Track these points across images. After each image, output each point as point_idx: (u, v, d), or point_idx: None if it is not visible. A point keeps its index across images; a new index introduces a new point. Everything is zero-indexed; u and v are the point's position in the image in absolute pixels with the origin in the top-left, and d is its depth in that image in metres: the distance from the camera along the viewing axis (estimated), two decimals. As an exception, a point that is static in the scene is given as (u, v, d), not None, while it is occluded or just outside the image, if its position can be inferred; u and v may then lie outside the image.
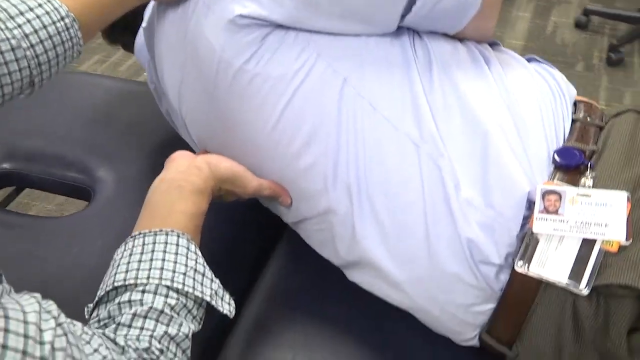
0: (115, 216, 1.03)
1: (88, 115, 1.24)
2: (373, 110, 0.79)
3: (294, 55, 0.79)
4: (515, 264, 0.74)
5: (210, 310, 0.73)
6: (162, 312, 0.68)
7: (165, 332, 0.67)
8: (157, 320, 0.67)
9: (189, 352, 0.69)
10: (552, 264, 0.72)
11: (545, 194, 0.75)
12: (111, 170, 1.13)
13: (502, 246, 0.76)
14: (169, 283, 0.70)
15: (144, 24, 0.95)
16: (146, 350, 0.64)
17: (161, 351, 0.66)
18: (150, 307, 0.67)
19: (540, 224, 0.73)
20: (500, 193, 0.76)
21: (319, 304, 0.89)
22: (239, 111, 0.83)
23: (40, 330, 0.50)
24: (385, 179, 0.79)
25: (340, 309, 0.89)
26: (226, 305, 0.74)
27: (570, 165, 0.77)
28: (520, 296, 0.76)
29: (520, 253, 0.74)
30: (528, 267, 0.73)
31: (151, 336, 0.66)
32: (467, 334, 0.83)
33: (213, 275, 0.74)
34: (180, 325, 0.69)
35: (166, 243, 0.73)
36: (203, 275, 0.73)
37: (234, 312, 0.74)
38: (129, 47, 1.06)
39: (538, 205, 0.74)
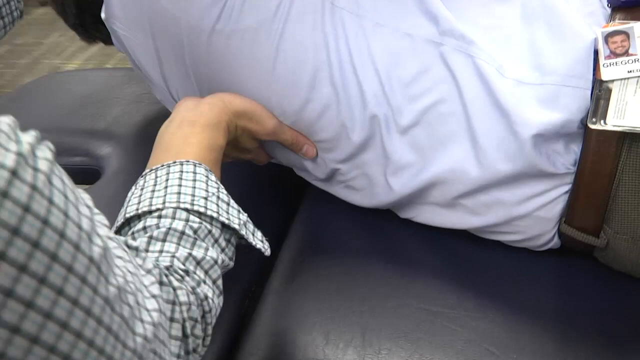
0: (123, 187, 0.94)
1: (83, 105, 1.19)
2: (376, 26, 0.70)
3: None
4: (588, 123, 0.62)
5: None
6: (183, 233, 0.58)
7: (190, 254, 0.57)
8: (178, 243, 0.57)
9: (220, 283, 0.59)
10: (634, 111, 0.60)
11: (608, 36, 0.63)
12: (115, 146, 1.06)
13: (571, 113, 0.64)
14: (188, 206, 0.60)
15: (102, 15, 0.84)
16: (168, 268, 0.54)
17: (186, 272, 0.56)
18: (169, 229, 0.58)
19: (609, 70, 0.62)
20: (558, 52, 0.65)
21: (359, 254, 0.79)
22: (230, 75, 0.74)
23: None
24: (413, 94, 0.69)
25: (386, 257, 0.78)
26: (259, 242, 0.64)
27: (632, 1, 0.65)
28: (599, 165, 0.64)
29: (592, 111, 0.62)
30: (604, 122, 0.61)
31: (173, 256, 0.56)
32: (545, 234, 0.71)
33: (240, 209, 0.65)
34: (207, 249, 0.58)
35: (181, 172, 0.63)
36: (228, 204, 0.63)
37: (269, 250, 0.65)
38: (108, 40, 0.96)
39: (602, 51, 0.62)
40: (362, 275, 0.73)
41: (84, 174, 1.04)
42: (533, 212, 0.69)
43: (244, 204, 0.66)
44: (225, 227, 0.62)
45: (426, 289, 0.71)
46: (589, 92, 0.63)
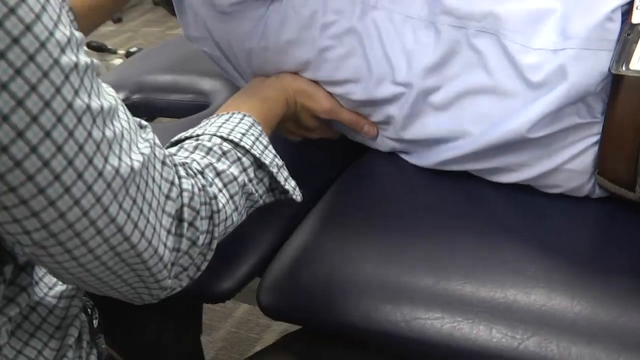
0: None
1: (196, 54, 1.29)
2: (405, 19, 0.75)
3: None
4: (611, 69, 0.62)
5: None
6: (210, 149, 0.64)
7: (211, 164, 0.62)
8: (203, 155, 0.63)
9: (237, 200, 0.63)
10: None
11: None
12: (220, 85, 1.16)
13: (592, 76, 0.64)
14: (224, 135, 0.66)
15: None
16: (183, 164, 0.59)
17: (201, 173, 0.60)
18: (199, 144, 0.64)
19: (641, 13, 0.60)
20: (581, 16, 0.65)
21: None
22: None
23: None
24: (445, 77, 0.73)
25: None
26: (291, 188, 0.69)
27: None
28: (626, 114, 0.63)
29: (616, 55, 0.62)
30: (627, 67, 0.60)
31: (193, 160, 0.61)
32: (584, 186, 0.71)
33: (278, 155, 0.70)
34: (230, 166, 0.63)
35: (228, 118, 0.70)
36: (265, 147, 0.68)
37: (300, 196, 0.70)
38: None
39: (637, -6, 0.61)
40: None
41: (196, 108, 1.18)
42: (563, 165, 0.69)
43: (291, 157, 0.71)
44: (259, 167, 0.66)
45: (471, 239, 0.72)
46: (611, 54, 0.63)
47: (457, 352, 0.61)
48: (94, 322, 0.65)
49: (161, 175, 0.53)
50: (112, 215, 0.47)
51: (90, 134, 0.44)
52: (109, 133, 0.46)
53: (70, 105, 0.42)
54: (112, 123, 0.47)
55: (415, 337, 0.63)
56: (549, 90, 0.65)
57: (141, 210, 0.49)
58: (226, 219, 0.61)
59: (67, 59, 0.42)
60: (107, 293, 0.55)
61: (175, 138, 0.67)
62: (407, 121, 0.78)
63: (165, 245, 0.53)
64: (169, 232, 0.53)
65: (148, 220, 0.50)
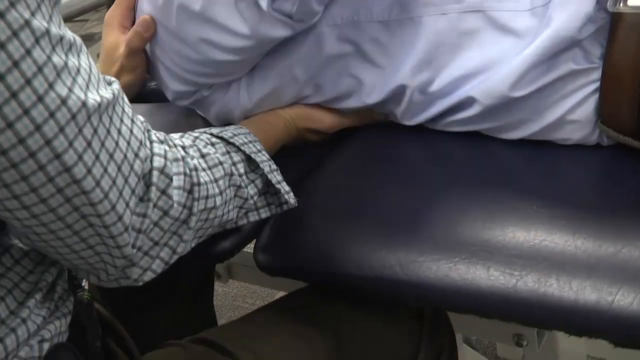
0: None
1: None
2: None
3: None
4: (607, 6, 0.61)
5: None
6: (197, 137, 0.62)
7: (196, 145, 0.60)
8: (191, 142, 0.61)
9: (222, 184, 0.60)
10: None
11: None
12: None
13: (585, 14, 0.62)
14: (214, 131, 0.64)
15: None
16: (162, 139, 0.55)
17: (183, 148, 0.57)
18: (186, 134, 0.62)
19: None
20: None
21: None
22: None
23: None
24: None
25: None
26: (284, 190, 0.66)
27: None
28: (625, 57, 0.62)
29: (613, -9, 0.61)
30: (623, 3, 0.60)
31: (176, 140, 0.58)
32: (591, 136, 0.69)
33: (272, 160, 0.68)
34: (216, 152, 0.61)
35: (223, 128, 0.68)
36: (259, 150, 0.66)
37: (294, 200, 0.67)
38: None
39: None
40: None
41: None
42: (565, 117, 0.67)
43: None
44: (252, 171, 0.64)
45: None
46: None
47: (453, 293, 0.59)
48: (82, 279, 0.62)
49: (130, 131, 0.50)
50: (56, 150, 0.43)
51: (28, 52, 0.41)
52: (57, 60, 0.43)
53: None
54: (67, 54, 0.44)
55: (411, 281, 0.61)
56: (531, 42, 0.64)
57: (97, 157, 0.46)
58: (208, 197, 0.57)
59: None
60: (77, 264, 0.53)
61: None
62: (408, 113, 0.76)
63: (127, 204, 0.49)
64: (133, 192, 0.50)
65: (106, 171, 0.47)
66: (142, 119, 0.55)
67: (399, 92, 0.75)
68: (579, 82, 0.65)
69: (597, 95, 0.65)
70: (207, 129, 0.66)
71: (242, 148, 0.64)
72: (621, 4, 0.60)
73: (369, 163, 0.77)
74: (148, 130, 0.54)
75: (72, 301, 0.59)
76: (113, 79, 0.52)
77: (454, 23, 0.68)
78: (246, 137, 0.67)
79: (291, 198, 0.67)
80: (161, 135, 0.56)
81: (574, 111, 0.67)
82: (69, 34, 0.45)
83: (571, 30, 0.62)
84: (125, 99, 0.52)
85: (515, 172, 0.69)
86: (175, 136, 0.60)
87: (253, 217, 0.67)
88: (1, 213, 0.46)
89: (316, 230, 0.70)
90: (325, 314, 0.68)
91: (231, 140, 0.64)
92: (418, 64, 0.72)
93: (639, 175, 0.65)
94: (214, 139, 0.63)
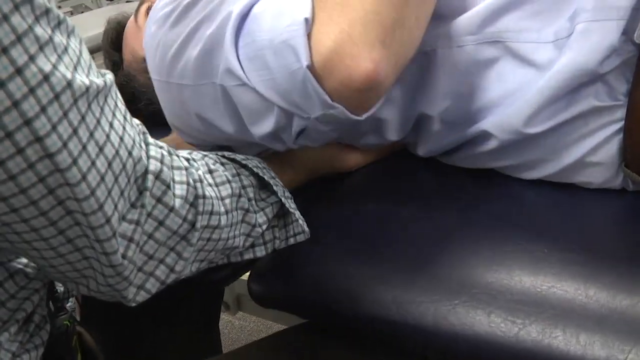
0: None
1: None
2: None
3: None
4: (635, 38, 0.57)
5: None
6: (206, 155, 0.58)
7: (204, 161, 0.57)
8: (200, 159, 0.57)
9: (228, 203, 0.56)
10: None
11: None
12: None
13: (605, 48, 0.57)
14: (226, 153, 0.61)
15: None
16: (163, 146, 0.52)
17: (187, 160, 0.54)
18: (193, 152, 0.58)
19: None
20: None
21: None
22: None
23: None
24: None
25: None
26: (299, 216, 0.63)
27: None
28: None
29: (640, 24, 0.57)
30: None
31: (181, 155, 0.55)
32: (615, 179, 0.64)
33: (286, 189, 0.65)
34: (225, 172, 0.57)
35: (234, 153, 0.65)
36: (273, 177, 0.63)
37: (307, 231, 0.65)
38: None
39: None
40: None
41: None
42: (585, 158, 0.62)
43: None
44: (262, 199, 0.61)
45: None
46: (624, 22, 0.56)
47: (449, 338, 0.54)
48: (65, 301, 0.59)
49: (123, 127, 0.46)
50: (37, 133, 0.39)
51: (5, 17, 0.36)
52: (40, 32, 0.39)
53: None
54: (54, 30, 0.41)
55: (406, 321, 0.56)
56: (548, 73, 0.59)
57: (84, 147, 0.42)
58: (212, 213, 0.53)
59: None
60: (64, 271, 0.48)
61: None
62: (425, 143, 0.73)
63: (115, 206, 0.45)
64: (122, 193, 0.45)
65: (93, 164, 0.42)
66: (137, 121, 0.51)
67: (418, 123, 0.71)
68: (602, 120, 0.61)
69: (621, 136, 0.60)
70: (220, 152, 0.62)
71: (256, 171, 0.60)
72: (651, 36, 0.55)
73: (375, 195, 0.73)
74: (144, 133, 0.50)
75: (48, 330, 0.55)
76: (107, 71, 0.48)
77: (470, 54, 0.64)
78: (260, 163, 0.63)
79: (305, 227, 0.64)
80: (160, 142, 0.52)
81: (595, 152, 0.62)
82: (57, 10, 0.41)
83: (591, 63, 0.57)
84: (119, 95, 0.48)
85: (529, 212, 0.64)
86: (181, 152, 0.56)
87: (260, 252, 0.63)
88: None
89: (312, 262, 0.66)
90: (319, 356, 0.63)
91: (243, 162, 0.61)
92: (435, 95, 0.68)
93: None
94: (224, 159, 0.60)
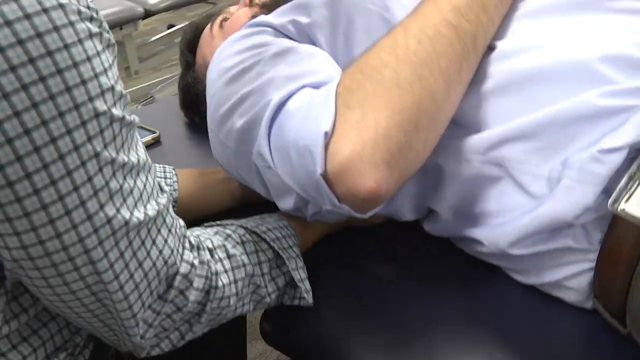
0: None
1: None
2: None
3: None
4: (609, 203, 0.61)
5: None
6: (229, 236, 0.68)
7: (224, 246, 0.66)
8: (223, 240, 0.67)
9: (240, 286, 0.66)
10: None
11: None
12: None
13: (584, 206, 0.63)
14: (249, 226, 0.70)
15: None
16: (196, 237, 0.63)
17: (210, 250, 0.64)
18: (220, 230, 0.68)
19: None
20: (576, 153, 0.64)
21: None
22: None
23: None
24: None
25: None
26: (304, 288, 0.72)
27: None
28: (618, 250, 0.62)
29: (617, 190, 0.60)
30: (622, 207, 0.59)
31: (208, 238, 0.65)
32: (586, 303, 0.70)
33: (300, 256, 0.73)
34: (242, 254, 0.67)
35: (265, 217, 0.75)
36: (290, 247, 0.72)
37: (311, 299, 0.73)
38: None
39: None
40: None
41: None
42: (561, 281, 0.69)
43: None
44: (277, 266, 0.70)
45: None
46: (601, 188, 0.62)
47: None
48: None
49: (165, 240, 0.57)
50: (92, 258, 0.51)
51: (90, 179, 0.49)
52: (114, 185, 0.51)
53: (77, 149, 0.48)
54: (125, 177, 0.52)
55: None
56: (534, 212, 0.65)
57: (127, 265, 0.53)
58: (222, 298, 0.63)
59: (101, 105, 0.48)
60: (85, 327, 0.60)
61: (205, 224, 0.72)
62: (432, 223, 0.81)
63: (143, 304, 0.56)
64: (152, 293, 0.57)
65: (132, 277, 0.54)
66: (182, 223, 0.62)
67: (429, 212, 0.79)
68: (576, 257, 0.67)
69: (592, 273, 0.66)
70: (244, 222, 0.72)
71: (272, 244, 0.70)
72: (620, 207, 0.59)
73: (381, 259, 0.82)
74: (184, 236, 0.61)
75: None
76: (165, 187, 0.60)
77: (477, 169, 0.70)
78: (281, 232, 0.73)
79: (310, 298, 0.73)
80: (194, 238, 0.63)
81: (569, 280, 0.69)
82: (134, 158, 0.53)
83: (568, 217, 0.63)
84: (170, 210, 0.59)
85: (506, 313, 0.72)
86: (210, 232, 0.67)
87: (268, 306, 0.73)
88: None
89: (319, 318, 0.76)
90: None
91: (263, 235, 0.70)
92: (442, 197, 0.75)
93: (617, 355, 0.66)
94: (246, 236, 0.69)
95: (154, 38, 2.92)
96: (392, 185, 0.64)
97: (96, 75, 0.48)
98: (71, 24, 0.47)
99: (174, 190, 0.90)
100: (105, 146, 0.50)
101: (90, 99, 0.48)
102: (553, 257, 0.68)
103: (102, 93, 0.49)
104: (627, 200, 0.59)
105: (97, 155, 0.49)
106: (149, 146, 1.20)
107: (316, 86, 0.70)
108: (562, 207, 0.63)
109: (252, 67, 0.75)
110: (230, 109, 0.75)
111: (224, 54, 0.81)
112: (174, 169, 0.93)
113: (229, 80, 0.77)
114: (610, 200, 0.60)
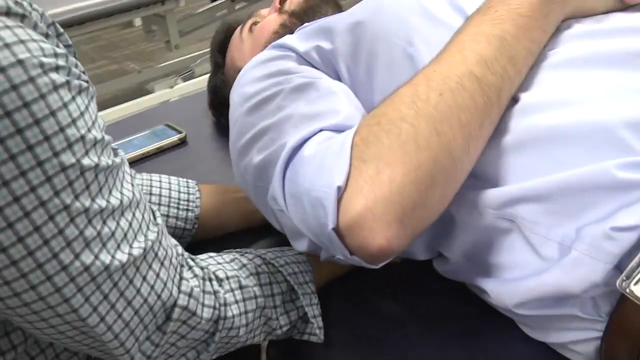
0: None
1: None
2: None
3: None
4: (617, 281, 0.59)
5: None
6: (244, 265, 0.68)
7: (237, 276, 0.66)
8: (237, 269, 0.67)
9: (251, 317, 0.66)
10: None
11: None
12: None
13: (592, 282, 0.61)
14: (267, 258, 0.71)
15: None
16: (201, 268, 0.63)
17: (221, 280, 0.64)
18: (237, 258, 0.69)
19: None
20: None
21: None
22: None
23: None
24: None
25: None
26: (316, 325, 0.72)
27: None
28: (624, 326, 0.61)
29: (628, 270, 0.59)
30: (629, 287, 0.58)
31: (221, 268, 0.65)
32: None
33: (315, 294, 0.73)
34: (255, 285, 0.67)
35: (286, 250, 0.75)
36: (306, 282, 0.72)
37: (322, 337, 0.73)
38: None
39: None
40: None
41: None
42: (568, 345, 0.68)
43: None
44: (291, 300, 0.70)
45: None
46: (611, 266, 0.60)
47: None
48: None
49: (157, 275, 0.57)
50: (73, 306, 0.51)
51: (61, 231, 0.49)
52: (89, 232, 0.50)
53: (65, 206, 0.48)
54: (106, 222, 0.52)
55: None
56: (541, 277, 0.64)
57: (112, 306, 0.53)
58: (231, 328, 0.64)
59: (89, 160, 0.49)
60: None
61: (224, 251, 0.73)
62: (441, 264, 0.80)
63: (137, 339, 0.56)
64: (146, 328, 0.57)
65: (120, 316, 0.54)
66: (179, 251, 0.62)
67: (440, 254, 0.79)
68: (584, 325, 0.66)
69: (599, 341, 0.65)
70: (263, 252, 0.72)
71: (288, 278, 0.71)
72: (629, 288, 0.58)
73: (390, 297, 0.82)
74: (181, 266, 0.61)
75: None
76: (158, 219, 0.59)
77: (489, 222, 0.69)
78: (298, 267, 0.73)
79: (321, 335, 0.73)
80: (199, 270, 0.63)
81: (575, 344, 0.68)
82: (116, 200, 0.52)
83: (574, 290, 0.62)
84: (163, 242, 0.58)
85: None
86: (226, 258, 0.68)
87: (278, 337, 0.74)
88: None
89: (323, 352, 0.76)
90: None
91: (280, 268, 0.71)
92: (453, 245, 0.75)
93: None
94: (262, 267, 0.70)
95: (195, 12, 2.92)
96: (403, 242, 0.63)
97: (62, 129, 0.47)
98: (31, 80, 0.46)
99: (196, 206, 0.91)
100: (77, 197, 0.49)
101: (56, 154, 0.48)
102: (560, 320, 0.67)
103: (70, 146, 0.48)
104: (637, 282, 0.58)
105: (66, 207, 0.49)
106: (175, 146, 1.21)
107: (334, 129, 0.70)
108: (569, 280, 0.62)
109: (273, 99, 0.75)
110: (249, 142, 0.75)
111: (247, 78, 0.81)
112: (197, 184, 0.94)
113: (249, 110, 0.77)
114: (619, 280, 0.59)
